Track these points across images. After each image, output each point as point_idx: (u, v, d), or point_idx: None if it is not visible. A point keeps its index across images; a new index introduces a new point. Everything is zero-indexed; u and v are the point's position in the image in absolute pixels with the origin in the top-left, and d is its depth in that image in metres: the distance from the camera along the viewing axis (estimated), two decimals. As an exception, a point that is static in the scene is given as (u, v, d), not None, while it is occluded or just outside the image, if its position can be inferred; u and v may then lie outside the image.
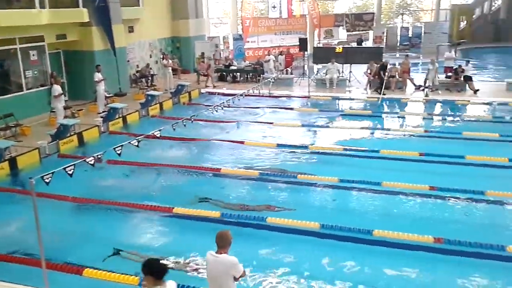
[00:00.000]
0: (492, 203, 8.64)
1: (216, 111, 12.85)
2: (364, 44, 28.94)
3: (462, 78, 18.23)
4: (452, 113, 15.77)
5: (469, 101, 16.85)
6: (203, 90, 20.18)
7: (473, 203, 8.65)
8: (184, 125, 10.88)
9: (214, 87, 20.73)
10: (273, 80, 19.26)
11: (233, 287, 4.70)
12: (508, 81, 18.34)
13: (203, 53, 23.51)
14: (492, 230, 7.69)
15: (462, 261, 6.75)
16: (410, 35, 29.99)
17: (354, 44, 28.15)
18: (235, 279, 4.68)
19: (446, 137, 12.85)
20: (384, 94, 17.50)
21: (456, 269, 6.59)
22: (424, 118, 15.39)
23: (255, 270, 6.56)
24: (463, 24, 33.43)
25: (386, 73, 18.27)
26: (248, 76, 22.19)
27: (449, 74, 18.87)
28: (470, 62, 20.28)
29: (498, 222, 8.08)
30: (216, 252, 4.66)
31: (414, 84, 18.94)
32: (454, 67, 19.01)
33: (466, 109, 16.24)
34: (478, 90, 17.66)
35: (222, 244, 4.65)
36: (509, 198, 8.64)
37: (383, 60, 19.26)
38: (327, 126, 14.48)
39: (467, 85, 18.03)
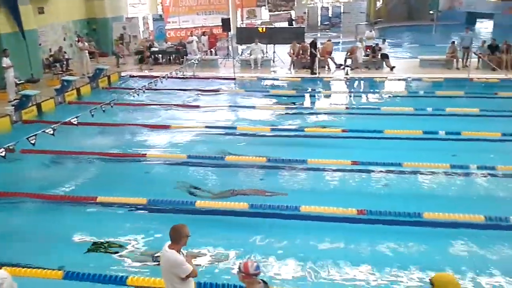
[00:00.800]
0: (410, 173, 9.14)
1: (138, 94, 12.38)
2: (295, 24, 29.22)
3: (379, 56, 19.03)
4: (371, 90, 16.45)
5: (386, 77, 17.64)
6: (124, 74, 19.34)
7: (392, 174, 9.10)
8: (103, 111, 10.37)
9: (150, 70, 19.81)
10: (197, 62, 18.89)
11: (181, 285, 4.40)
12: (421, 57, 19.41)
13: (122, 35, 22.43)
14: (411, 199, 8.13)
15: (384, 229, 7.10)
16: (330, 15, 30.74)
17: (278, 25, 28.34)
18: (182, 278, 4.37)
19: (366, 113, 13.39)
20: (318, 73, 17.91)
21: (379, 237, 6.91)
22: (345, 96, 15.91)
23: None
24: (379, 4, 34.86)
25: (318, 51, 18.52)
26: (171, 58, 21.59)
27: (367, 52, 19.59)
28: (386, 40, 21.15)
29: (415, 191, 8.56)
30: (169, 246, 4.40)
31: (335, 63, 19.46)
32: (372, 46, 19.77)
33: (384, 85, 17.00)
34: (394, 67, 18.52)
35: (175, 238, 4.39)
36: (425, 168, 9.18)
37: (312, 39, 19.40)
38: (254, 107, 14.50)
39: (384, 62, 18.86)
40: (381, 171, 9.21)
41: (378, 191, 8.53)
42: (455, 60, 18.47)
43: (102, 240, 7.01)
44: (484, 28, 33.93)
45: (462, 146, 10.40)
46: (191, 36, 22.65)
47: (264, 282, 3.95)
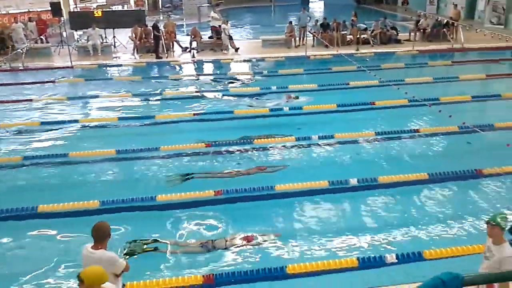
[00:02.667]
0: (261, 149, 9.43)
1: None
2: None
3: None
4: (218, 72, 16.58)
5: (232, 59, 17.94)
6: None
7: (245, 153, 9.30)
8: None
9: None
10: (24, 51, 16.85)
11: (116, 284, 4.02)
12: (262, 38, 20.17)
13: None
14: (264, 175, 8.37)
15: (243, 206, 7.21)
16: (171, -3, 30.13)
17: (117, 8, 26.78)
18: (117, 275, 4.11)
19: (215, 96, 13.42)
20: (166, 57, 17.37)
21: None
22: (193, 79, 15.74)
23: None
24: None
25: (162, 34, 17.87)
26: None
27: (212, 35, 19.64)
28: (229, 22, 21.47)
29: (268, 164, 8.84)
30: (93, 247, 4.01)
31: (181, 46, 19.15)
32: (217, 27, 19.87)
33: (230, 67, 17.26)
34: (238, 48, 18.93)
35: (99, 237, 4.03)
36: (274, 143, 9.56)
37: (154, 22, 18.61)
38: (97, 96, 13.46)
39: (228, 44, 19.14)
40: (237, 150, 9.33)
41: (231, 169, 8.61)
42: (293, 39, 19.60)
43: None
44: (318, 8, 36.77)
45: (304, 120, 11.09)
46: (16, 22, 20.08)
47: None
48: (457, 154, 9.12)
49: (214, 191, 7.37)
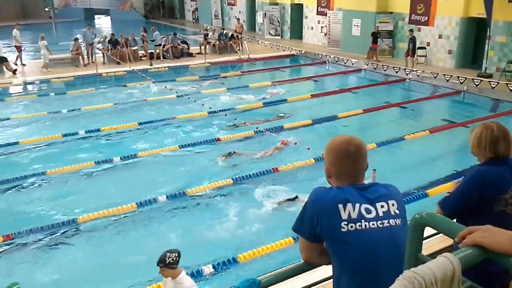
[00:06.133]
0: (58, 182, 8.43)
1: None
2: None
3: None
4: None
5: (11, 83, 15.79)
6: None
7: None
8: None
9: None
10: None
11: None
12: (49, 57, 18.25)
13: None
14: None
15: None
16: None
17: None
18: None
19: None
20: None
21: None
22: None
23: None
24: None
25: None
26: None
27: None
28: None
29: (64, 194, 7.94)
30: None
31: None
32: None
33: (10, 91, 15.14)
34: (15, 70, 16.83)
35: None
36: (69, 171, 8.63)
37: None
38: None
39: (4, 66, 16.81)
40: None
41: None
42: (80, 57, 18.33)
43: None
44: (104, 23, 35.40)
45: (104, 142, 10.38)
46: None
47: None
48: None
49: None
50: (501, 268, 1.33)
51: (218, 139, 10.27)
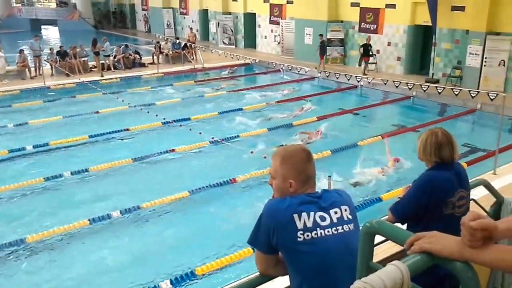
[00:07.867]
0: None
1: None
2: None
3: None
4: None
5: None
6: None
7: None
8: None
9: None
10: None
11: None
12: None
13: None
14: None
15: None
16: None
17: None
18: None
19: None
20: None
21: None
22: None
23: None
24: None
25: None
26: None
27: None
28: None
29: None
30: None
31: None
32: None
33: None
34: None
35: None
36: (20, 187, 8.24)
37: None
38: None
39: None
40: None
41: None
42: (27, 69, 17.62)
43: None
44: (52, 34, 34.29)
45: (53, 157, 10.00)
46: None
47: None
48: (215, 167, 9.55)
49: None
50: (449, 271, 1.35)
51: (173, 150, 10.11)
